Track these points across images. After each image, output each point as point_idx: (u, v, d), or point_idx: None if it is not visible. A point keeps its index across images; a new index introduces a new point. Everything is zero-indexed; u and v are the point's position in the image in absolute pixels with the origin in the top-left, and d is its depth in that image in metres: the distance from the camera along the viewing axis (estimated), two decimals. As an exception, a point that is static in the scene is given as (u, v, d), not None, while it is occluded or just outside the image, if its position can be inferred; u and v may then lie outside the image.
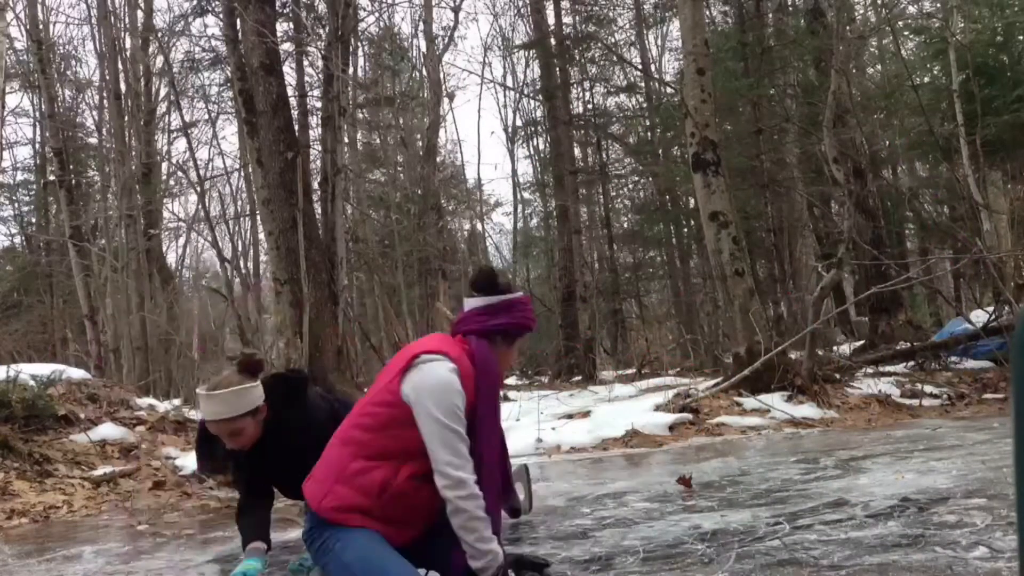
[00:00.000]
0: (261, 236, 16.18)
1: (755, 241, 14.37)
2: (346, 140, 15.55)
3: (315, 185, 11.78)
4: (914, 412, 7.36)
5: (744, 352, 8.05)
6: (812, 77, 14.15)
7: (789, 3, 16.09)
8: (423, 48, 18.57)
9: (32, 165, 21.07)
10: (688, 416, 7.10)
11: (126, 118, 15.19)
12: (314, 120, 13.90)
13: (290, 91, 12.08)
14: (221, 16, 12.09)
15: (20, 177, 21.21)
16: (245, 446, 2.94)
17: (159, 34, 15.56)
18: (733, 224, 8.38)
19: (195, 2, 14.19)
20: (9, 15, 13.55)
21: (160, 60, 15.49)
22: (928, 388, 7.91)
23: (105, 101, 16.27)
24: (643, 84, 19.66)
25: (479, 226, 23.38)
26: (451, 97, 20.42)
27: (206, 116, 17.93)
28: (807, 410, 7.28)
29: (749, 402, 7.43)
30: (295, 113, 12.42)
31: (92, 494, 5.14)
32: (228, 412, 2.84)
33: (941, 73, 13.68)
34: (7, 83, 15.03)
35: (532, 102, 21.38)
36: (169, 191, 18.90)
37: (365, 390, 10.49)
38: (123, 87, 15.29)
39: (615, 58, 18.94)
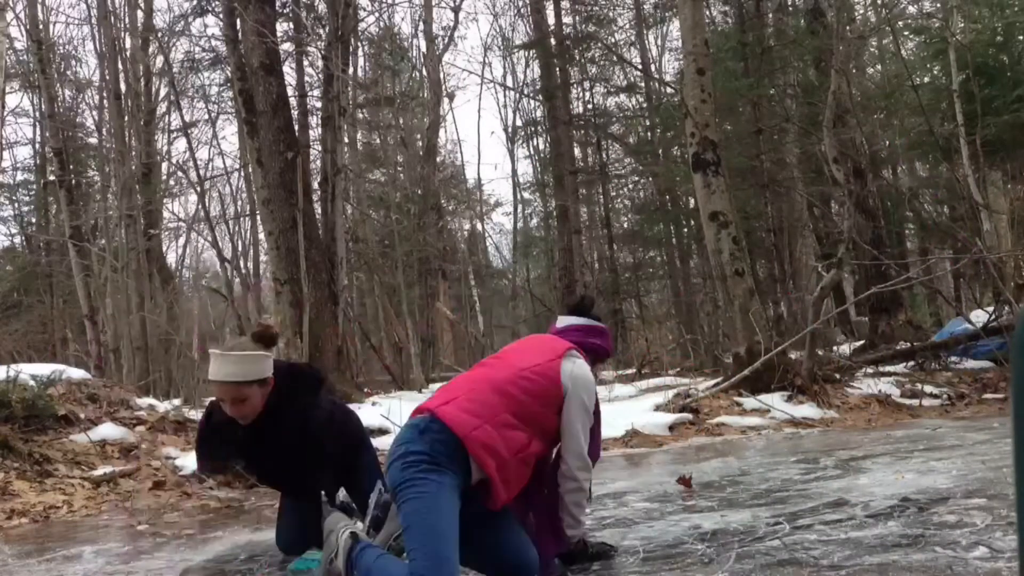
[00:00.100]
0: (261, 236, 16.18)
1: (755, 241, 14.35)
2: (346, 140, 15.56)
3: (315, 185, 11.79)
4: (914, 412, 7.35)
5: (744, 352, 8.04)
6: (812, 77, 14.13)
7: (789, 3, 16.07)
8: (423, 48, 18.60)
9: (32, 165, 21.07)
10: (688, 416, 7.09)
11: (126, 118, 15.17)
12: (314, 120, 13.93)
13: (290, 91, 12.10)
14: (221, 16, 12.11)
15: (20, 177, 21.23)
16: (247, 417, 2.91)
17: (159, 34, 15.57)
18: (733, 224, 8.37)
19: (195, 2, 14.22)
20: (9, 15, 13.54)
21: (160, 60, 15.50)
22: (928, 388, 7.90)
23: (105, 101, 16.26)
24: (643, 84, 19.65)
25: (479, 226, 23.43)
26: (451, 97, 20.47)
27: (206, 116, 17.98)
28: (807, 410, 7.27)
29: (749, 402, 7.43)
30: (295, 113, 12.43)
31: (92, 494, 5.13)
32: (238, 375, 2.84)
33: (941, 73, 13.66)
34: (7, 83, 15.02)
35: (532, 102, 21.39)
36: (169, 191, 18.90)
37: (365, 390, 10.50)
38: (123, 87, 15.26)
39: (615, 58, 18.96)
